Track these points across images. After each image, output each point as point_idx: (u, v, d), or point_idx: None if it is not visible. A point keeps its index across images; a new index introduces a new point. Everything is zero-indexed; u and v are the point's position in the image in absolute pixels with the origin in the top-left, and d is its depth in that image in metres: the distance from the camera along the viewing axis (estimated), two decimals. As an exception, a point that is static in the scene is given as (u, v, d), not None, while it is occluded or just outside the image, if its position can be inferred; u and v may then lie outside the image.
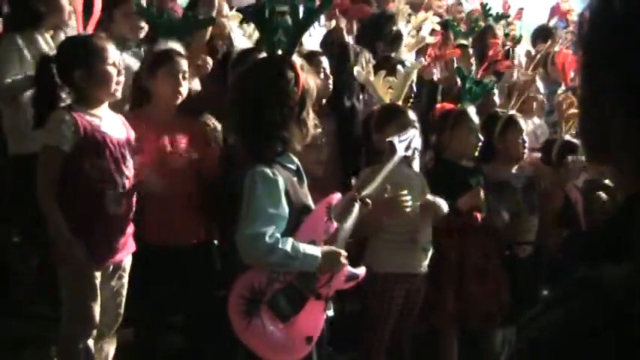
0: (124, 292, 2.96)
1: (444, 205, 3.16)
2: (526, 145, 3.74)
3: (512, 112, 3.77)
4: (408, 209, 2.92)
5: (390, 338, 3.13)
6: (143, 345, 3.15)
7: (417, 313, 3.21)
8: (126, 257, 2.92)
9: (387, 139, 2.77)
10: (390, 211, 2.93)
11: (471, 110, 3.54)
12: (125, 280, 2.95)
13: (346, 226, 2.45)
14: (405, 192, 2.91)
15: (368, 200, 2.55)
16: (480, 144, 3.51)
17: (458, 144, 3.44)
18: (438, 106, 3.76)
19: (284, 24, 2.44)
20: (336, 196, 2.45)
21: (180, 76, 3.07)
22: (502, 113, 3.75)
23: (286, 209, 2.27)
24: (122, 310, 2.95)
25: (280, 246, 2.23)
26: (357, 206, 2.50)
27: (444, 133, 3.48)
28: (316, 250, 2.30)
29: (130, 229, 2.88)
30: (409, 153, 2.79)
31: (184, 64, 3.10)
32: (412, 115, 3.21)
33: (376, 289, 2.77)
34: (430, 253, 3.16)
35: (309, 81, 2.36)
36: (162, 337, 3.22)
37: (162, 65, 3.06)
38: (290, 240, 2.26)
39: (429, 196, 3.15)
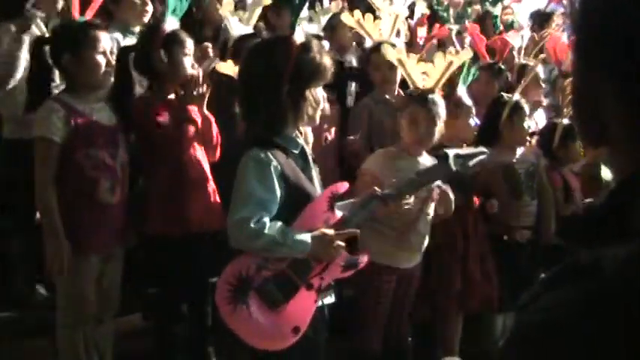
0: (119, 279, 2.96)
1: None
2: (530, 130, 3.72)
3: (518, 97, 3.68)
4: (406, 206, 2.72)
5: (386, 324, 3.13)
6: (158, 335, 3.11)
7: (412, 299, 3.20)
8: (122, 245, 2.92)
9: (443, 149, 2.67)
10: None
11: (464, 95, 3.51)
12: (120, 267, 2.96)
13: (355, 219, 2.38)
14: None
15: (389, 202, 2.48)
16: (485, 128, 3.48)
17: (459, 131, 3.40)
18: None
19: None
20: (344, 186, 2.38)
21: (191, 55, 3.05)
22: (508, 98, 3.69)
23: (278, 193, 2.23)
24: (118, 297, 2.96)
25: (267, 231, 2.19)
26: (375, 203, 2.45)
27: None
28: (306, 237, 2.26)
29: (125, 216, 2.88)
30: (460, 169, 2.64)
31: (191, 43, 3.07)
32: (442, 106, 3.03)
33: (365, 278, 2.75)
34: (426, 243, 3.12)
35: (316, 61, 2.28)
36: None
37: (175, 45, 2.99)
38: (279, 225, 2.22)
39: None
